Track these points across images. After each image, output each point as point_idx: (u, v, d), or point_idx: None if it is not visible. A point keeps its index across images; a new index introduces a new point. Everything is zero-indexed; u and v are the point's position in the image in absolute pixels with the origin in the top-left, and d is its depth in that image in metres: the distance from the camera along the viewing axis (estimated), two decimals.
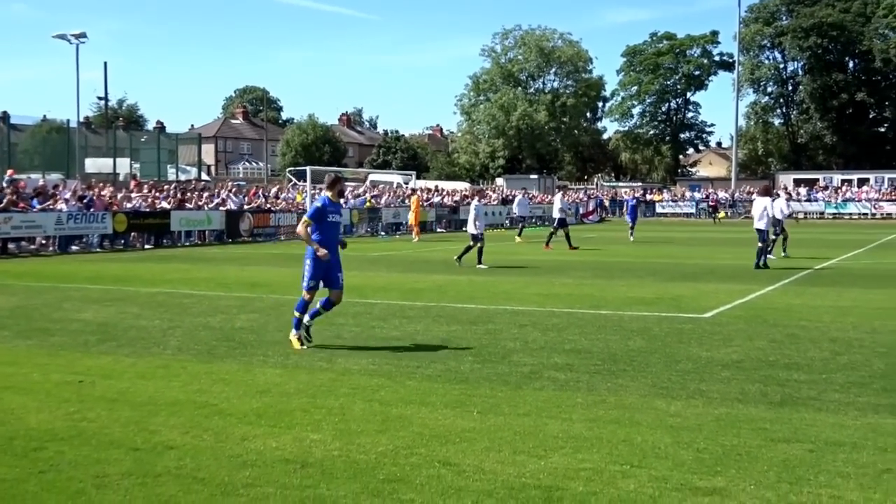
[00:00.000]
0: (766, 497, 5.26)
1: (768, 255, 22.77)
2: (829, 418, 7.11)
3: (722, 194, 72.56)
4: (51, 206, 29.64)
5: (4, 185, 30.21)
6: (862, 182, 72.00)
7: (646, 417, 7.16)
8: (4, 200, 28.03)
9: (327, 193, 10.67)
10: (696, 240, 36.89)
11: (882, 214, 64.70)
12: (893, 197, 67.05)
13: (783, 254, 24.76)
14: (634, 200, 39.54)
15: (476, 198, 24.11)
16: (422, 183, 57.35)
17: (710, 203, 67.48)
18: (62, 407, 7.48)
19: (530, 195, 53.24)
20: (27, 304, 14.61)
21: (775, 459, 6.00)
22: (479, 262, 22.37)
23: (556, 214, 30.80)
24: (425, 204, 46.40)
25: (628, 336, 11.28)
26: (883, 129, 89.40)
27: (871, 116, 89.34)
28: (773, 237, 23.63)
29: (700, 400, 7.77)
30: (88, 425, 6.90)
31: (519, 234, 36.10)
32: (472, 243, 22.73)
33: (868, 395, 7.91)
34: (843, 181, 72.52)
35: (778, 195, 27.57)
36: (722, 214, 65.25)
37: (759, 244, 21.82)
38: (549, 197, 65.16)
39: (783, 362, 9.48)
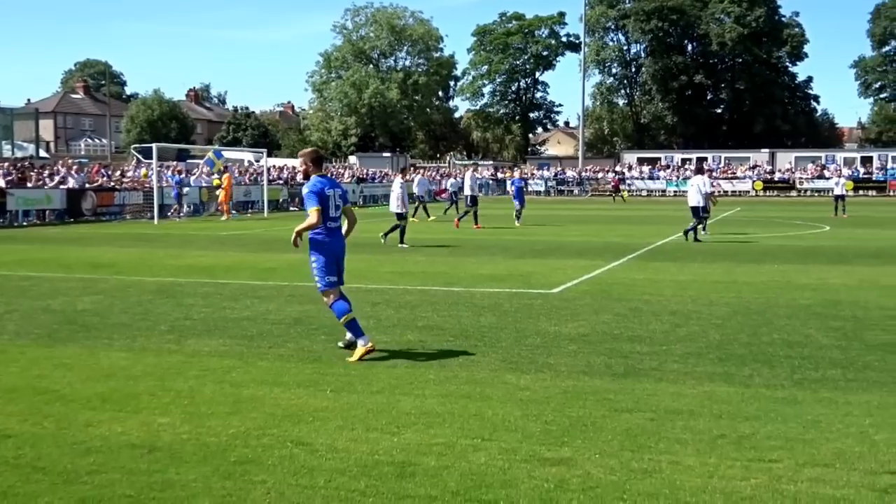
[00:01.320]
0: (609, 465, 5.44)
1: (702, 232, 24.22)
2: (669, 388, 7.41)
3: (570, 173, 74.37)
4: None
5: None
6: (700, 161, 75.11)
7: (496, 391, 7.29)
8: None
9: (316, 172, 8.89)
10: (545, 217, 37.66)
11: (719, 192, 67.58)
12: (729, 175, 70.13)
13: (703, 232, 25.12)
14: (522, 182, 34.07)
15: (398, 176, 23.59)
16: (273, 160, 56.53)
17: (612, 183, 65.18)
18: None
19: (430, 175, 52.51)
20: None
21: (618, 429, 6.21)
22: (402, 242, 22.10)
23: (468, 192, 30.85)
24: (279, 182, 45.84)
25: (479, 312, 11.45)
26: (719, 111, 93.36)
27: (708, 98, 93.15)
28: (706, 214, 24.41)
29: (548, 373, 7.96)
30: None
31: (414, 214, 34.57)
32: (398, 222, 22.45)
33: (705, 365, 8.28)
34: (683, 160, 75.38)
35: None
36: (626, 193, 64.01)
37: (693, 220, 23.09)
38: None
39: (627, 335, 9.82)
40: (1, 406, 6.79)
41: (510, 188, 33.77)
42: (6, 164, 36.37)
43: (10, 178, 33.40)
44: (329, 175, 9.19)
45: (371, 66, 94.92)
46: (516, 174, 38.61)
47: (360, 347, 8.59)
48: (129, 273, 15.82)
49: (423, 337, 9.73)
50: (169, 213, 36.81)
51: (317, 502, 4.84)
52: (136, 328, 10.25)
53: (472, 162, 68.15)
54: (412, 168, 50.09)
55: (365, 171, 62.34)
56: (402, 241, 22.19)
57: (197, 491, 4.98)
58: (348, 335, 8.88)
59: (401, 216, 22.52)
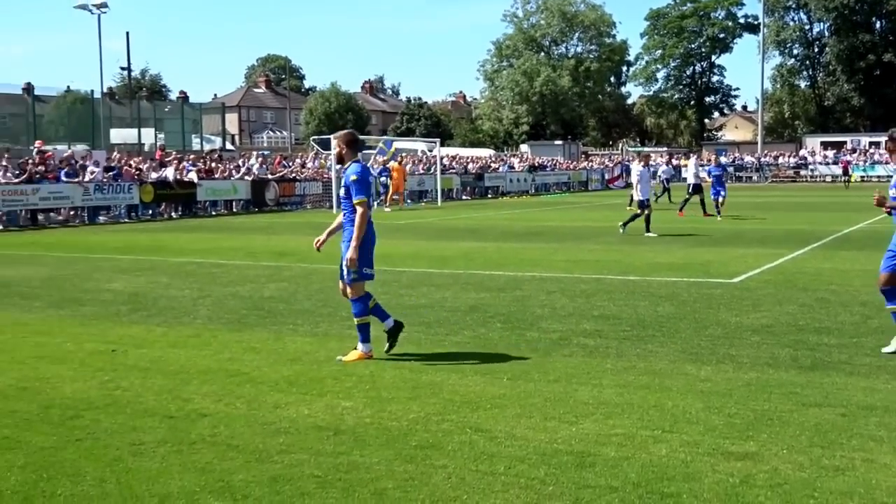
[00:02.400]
0: (798, 461, 5.24)
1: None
2: (861, 382, 7.07)
3: (748, 158, 71.96)
4: (79, 178, 29.81)
5: (34, 156, 30.43)
6: None
7: (676, 383, 7.15)
8: (28, 171, 28.21)
9: (352, 156, 8.48)
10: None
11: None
12: None
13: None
14: (720, 170, 29.04)
15: (640, 162, 23.00)
16: (445, 150, 57.21)
17: (842, 165, 62.34)
18: (96, 376, 7.56)
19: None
20: (58, 275, 14.75)
21: (807, 424, 5.97)
22: (648, 231, 21.40)
23: (691, 180, 30.34)
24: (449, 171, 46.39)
25: (657, 302, 11.24)
26: None
27: None
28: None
29: (730, 365, 7.75)
30: (123, 394, 6.97)
31: (656, 200, 33.28)
32: (639, 211, 21.80)
33: None
34: (870, 143, 71.63)
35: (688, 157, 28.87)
36: (854, 177, 61.09)
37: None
38: (575, 163, 64.92)
39: (813, 326, 9.43)
40: (197, 386, 7.17)
41: (702, 176, 31.12)
42: (195, 156, 38.23)
43: (199, 170, 35.11)
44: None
45: (542, 53, 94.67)
46: (711, 160, 36.12)
47: (360, 352, 8.17)
48: (311, 261, 16.34)
49: (599, 326, 9.64)
50: (377, 202, 37.38)
51: (497, 489, 4.87)
52: (319, 314, 10.59)
53: (658, 149, 66.71)
54: (693, 153, 48.75)
55: (537, 159, 62.16)
56: (647, 230, 21.38)
57: (380, 473, 5.11)
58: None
59: (644, 204, 21.65)
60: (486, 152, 67.54)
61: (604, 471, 5.12)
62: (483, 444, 5.62)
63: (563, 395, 6.81)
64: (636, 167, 22.71)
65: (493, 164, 54.23)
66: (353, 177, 8.14)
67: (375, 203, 8.66)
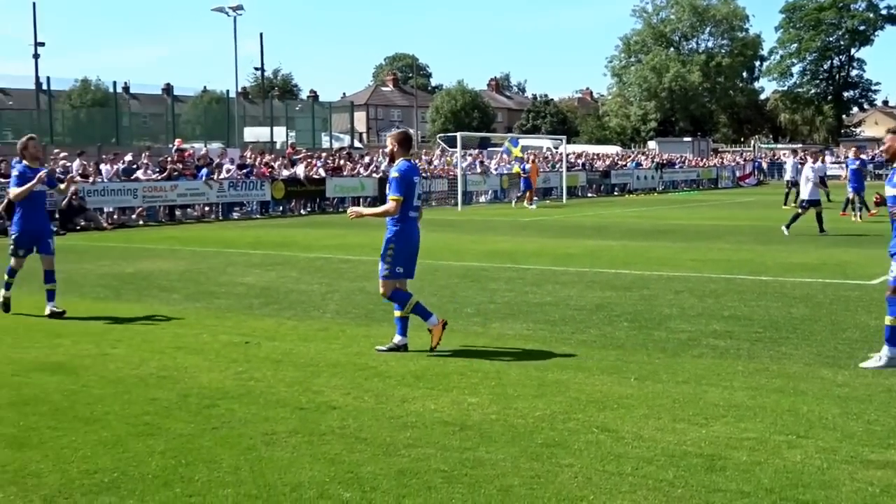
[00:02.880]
0: None
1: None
2: None
3: None
4: (215, 176, 30.82)
5: (173, 154, 31.62)
6: None
7: (811, 387, 6.93)
8: (168, 168, 29.32)
9: (403, 155, 8.56)
10: None
11: None
12: None
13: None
14: (858, 162, 26.64)
15: (812, 160, 22.09)
16: (571, 147, 56.81)
17: None
18: (231, 367, 7.80)
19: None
20: (194, 269, 15.28)
21: None
22: (821, 230, 20.74)
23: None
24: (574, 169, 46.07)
25: (790, 303, 10.92)
26: None
27: None
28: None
29: (869, 370, 7.46)
30: (256, 384, 7.18)
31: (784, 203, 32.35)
32: (800, 210, 21.13)
33: None
34: None
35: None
36: None
37: None
38: (705, 160, 63.58)
39: None
40: (327, 379, 7.32)
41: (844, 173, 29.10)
42: (325, 154, 38.99)
43: (327, 167, 35.81)
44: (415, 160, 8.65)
45: (671, 48, 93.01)
46: (850, 154, 33.39)
47: (397, 342, 8.40)
48: (437, 257, 16.47)
49: (730, 327, 9.41)
50: (514, 202, 36.91)
51: (624, 489, 4.82)
52: (444, 310, 10.64)
53: (791, 146, 64.35)
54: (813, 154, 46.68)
55: (665, 156, 61.11)
56: (821, 230, 20.70)
57: (506, 470, 5.11)
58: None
59: (811, 203, 20.99)
60: (612, 149, 66.80)
61: (735, 475, 5.00)
62: (610, 444, 5.56)
63: (693, 396, 6.68)
64: (809, 165, 21.97)
65: (619, 162, 53.58)
66: (395, 174, 8.33)
67: (421, 206, 8.58)
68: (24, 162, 10.84)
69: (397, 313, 8.53)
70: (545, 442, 5.62)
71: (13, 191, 10.76)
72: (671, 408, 6.38)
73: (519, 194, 36.88)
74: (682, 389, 6.89)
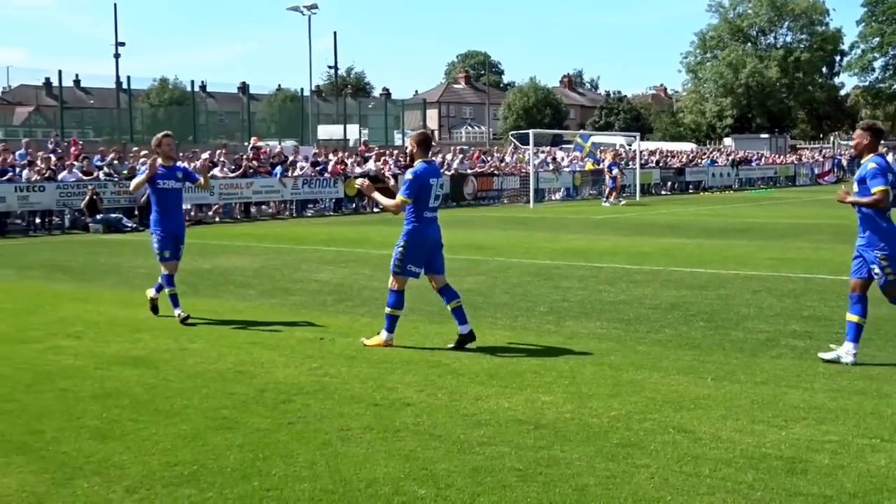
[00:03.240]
0: None
1: None
2: None
3: None
4: (288, 173, 31.18)
5: (248, 152, 32.09)
6: None
7: (895, 389, 6.75)
8: (243, 166, 29.75)
9: (421, 156, 8.64)
10: None
11: None
12: None
13: None
14: None
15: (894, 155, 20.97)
16: (645, 144, 56.22)
17: None
18: (306, 362, 7.89)
19: None
20: (269, 265, 15.48)
21: None
22: None
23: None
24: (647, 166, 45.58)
25: (873, 304, 10.51)
26: None
27: None
28: None
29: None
30: (330, 380, 7.24)
31: None
32: None
33: None
34: None
35: None
36: None
37: None
38: (782, 157, 62.41)
39: None
40: (400, 376, 7.35)
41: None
42: (397, 151, 39.15)
43: (400, 164, 35.94)
44: (434, 161, 8.76)
45: (748, 44, 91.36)
46: None
47: (382, 338, 8.47)
48: (509, 255, 16.46)
49: (810, 328, 9.23)
50: (605, 201, 36.35)
51: (702, 491, 4.75)
52: (517, 308, 10.64)
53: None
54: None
55: (741, 153, 60.07)
56: None
57: (581, 469, 5.08)
58: None
59: None
60: (687, 146, 65.92)
61: (816, 479, 4.90)
62: (687, 445, 5.49)
63: (772, 397, 6.56)
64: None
65: (695, 159, 52.83)
66: (409, 175, 8.42)
67: (439, 206, 8.56)
68: (158, 160, 10.36)
69: (387, 310, 8.59)
70: (621, 442, 5.57)
71: (133, 182, 10.85)
72: (749, 409, 6.27)
73: (608, 190, 36.31)
74: (761, 390, 6.77)
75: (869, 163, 7.84)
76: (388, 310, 8.57)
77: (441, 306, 10.77)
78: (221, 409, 6.41)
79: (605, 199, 35.55)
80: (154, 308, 10.44)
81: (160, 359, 8.11)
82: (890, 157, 21.93)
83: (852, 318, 7.86)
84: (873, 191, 7.67)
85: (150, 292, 10.52)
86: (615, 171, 36.28)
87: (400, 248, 8.53)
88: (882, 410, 6.18)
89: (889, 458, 5.20)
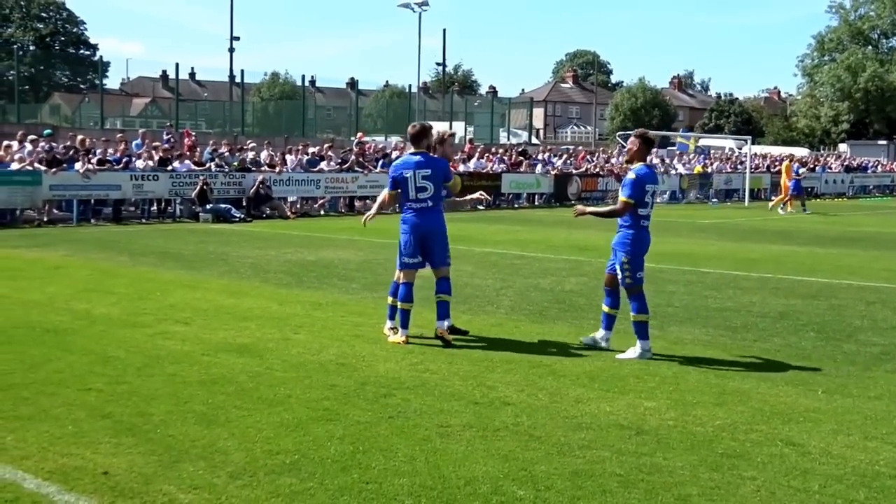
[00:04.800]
0: None
1: None
2: None
3: None
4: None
5: (354, 146, 32.47)
6: None
7: None
8: (350, 161, 30.12)
9: (411, 149, 8.92)
10: None
11: None
12: None
13: None
14: None
15: None
16: (756, 148, 54.89)
17: None
18: (406, 357, 7.92)
19: None
20: (372, 259, 15.61)
21: None
22: None
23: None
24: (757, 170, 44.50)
25: None
26: None
27: None
28: None
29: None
30: (431, 376, 7.25)
31: None
32: None
33: None
34: None
35: None
36: None
37: None
38: None
39: None
40: (501, 375, 7.32)
41: None
42: (502, 150, 39.07)
43: (503, 163, 35.89)
44: (423, 152, 8.77)
45: (869, 47, 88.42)
46: None
47: (398, 337, 8.53)
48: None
49: None
50: (781, 209, 33.85)
51: None
52: (620, 311, 10.46)
53: None
54: None
55: (855, 159, 58.16)
56: None
57: (684, 479, 4.97)
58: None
59: None
60: (801, 151, 64.14)
61: None
62: (795, 459, 5.32)
63: (886, 413, 6.31)
64: None
65: (809, 164, 51.35)
66: (632, 175, 8.38)
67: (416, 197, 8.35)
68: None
69: (390, 299, 8.89)
70: (726, 452, 5.43)
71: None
72: (862, 424, 6.04)
73: (782, 198, 34.40)
74: (875, 406, 6.52)
75: (630, 172, 8.23)
76: (396, 301, 8.76)
77: (544, 307, 10.74)
78: (323, 400, 6.47)
79: (787, 209, 33.54)
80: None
81: (265, 348, 8.25)
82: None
83: (604, 308, 8.56)
84: (620, 200, 8.21)
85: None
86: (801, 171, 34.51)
87: (400, 242, 8.87)
88: None
89: None
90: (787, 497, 4.72)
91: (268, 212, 26.54)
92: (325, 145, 31.81)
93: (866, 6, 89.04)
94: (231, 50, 45.99)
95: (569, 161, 39.07)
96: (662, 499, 4.67)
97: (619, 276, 8.33)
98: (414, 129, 8.92)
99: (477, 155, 35.59)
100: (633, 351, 8.11)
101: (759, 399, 6.67)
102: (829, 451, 5.47)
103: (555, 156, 39.57)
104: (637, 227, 8.28)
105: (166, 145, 27.63)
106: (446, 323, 8.64)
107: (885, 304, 11.20)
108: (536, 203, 35.86)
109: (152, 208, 25.68)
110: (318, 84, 65.52)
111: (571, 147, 52.40)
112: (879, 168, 56.69)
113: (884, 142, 73.81)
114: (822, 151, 70.82)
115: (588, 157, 42.18)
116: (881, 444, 5.63)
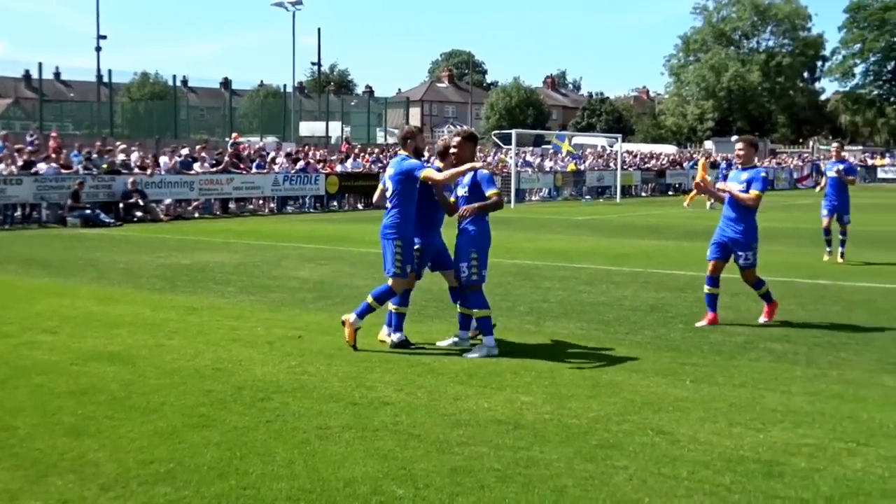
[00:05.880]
0: None
1: None
2: None
3: None
4: (269, 169, 31.05)
5: (228, 147, 31.95)
6: None
7: (872, 394, 6.79)
8: (224, 162, 29.63)
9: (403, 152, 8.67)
10: None
11: None
12: None
13: None
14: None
15: None
16: (627, 146, 56.31)
17: None
18: (285, 360, 7.85)
19: None
20: (248, 262, 15.40)
21: None
22: None
23: None
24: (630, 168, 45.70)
25: (850, 308, 10.72)
26: None
27: None
28: None
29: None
30: (309, 378, 7.21)
31: None
32: None
33: None
34: None
35: None
36: None
37: None
38: (763, 161, 62.67)
39: None
40: (380, 375, 7.33)
41: None
42: (378, 149, 39.07)
43: (381, 163, 35.87)
44: (403, 154, 8.65)
45: (731, 48, 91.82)
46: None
47: (394, 337, 8.47)
48: (490, 255, 16.40)
49: (788, 331, 9.29)
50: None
51: (680, 493, 4.75)
52: (498, 308, 10.58)
53: (852, 148, 62.75)
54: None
55: (720, 156, 60.28)
56: None
57: (560, 470, 5.07)
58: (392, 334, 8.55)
59: None
60: (669, 149, 66.13)
61: (793, 482, 4.91)
62: (665, 447, 5.50)
63: (750, 400, 6.58)
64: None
65: (677, 160, 53.03)
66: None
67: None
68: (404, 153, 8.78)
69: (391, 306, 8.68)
70: (599, 443, 5.57)
71: (439, 175, 8.51)
72: (728, 412, 6.29)
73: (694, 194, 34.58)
74: (739, 393, 6.79)
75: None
76: (391, 307, 8.63)
77: (422, 306, 10.78)
78: (199, 406, 6.36)
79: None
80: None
81: (137, 355, 8.05)
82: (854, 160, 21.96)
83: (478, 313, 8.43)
84: (494, 193, 8.51)
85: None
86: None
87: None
88: (858, 414, 6.21)
89: (865, 462, 5.23)
90: (658, 484, 4.87)
91: (139, 215, 25.88)
92: (199, 146, 31.18)
93: (728, 8, 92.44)
94: (98, 49, 44.74)
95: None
96: (539, 491, 4.76)
97: (465, 273, 8.45)
98: (401, 132, 9.03)
99: (353, 155, 35.46)
100: (480, 349, 8.17)
101: (631, 390, 6.86)
102: (696, 439, 5.67)
103: (433, 155, 39.73)
104: (480, 226, 8.63)
105: (30, 147, 26.64)
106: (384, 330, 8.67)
107: (748, 296, 11.61)
108: None
109: (16, 213, 24.70)
110: (190, 84, 64.02)
111: None
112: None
113: None
114: (688, 148, 73.14)
115: None
116: (745, 429, 5.86)
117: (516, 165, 37.76)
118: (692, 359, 7.99)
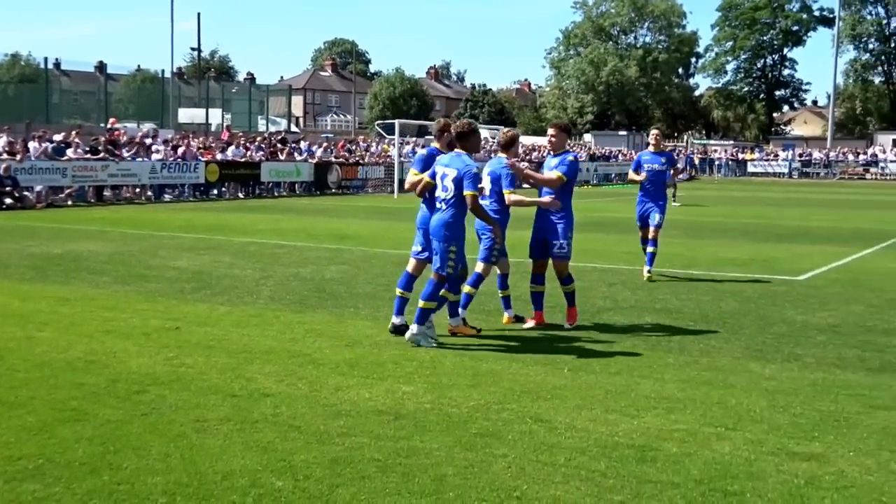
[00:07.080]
0: (865, 464, 5.14)
1: None
2: None
3: (817, 154, 70.47)
4: (144, 156, 30.27)
5: (104, 133, 31.00)
6: None
7: (740, 380, 7.06)
8: (99, 148, 28.75)
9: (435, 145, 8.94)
10: (789, 200, 36.04)
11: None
12: None
13: None
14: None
15: None
16: None
17: None
18: (161, 352, 7.68)
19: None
20: (124, 251, 15.00)
21: (875, 427, 5.85)
22: None
23: None
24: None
25: (720, 297, 11.10)
26: None
27: None
28: None
29: (795, 364, 7.62)
30: (187, 370, 7.07)
31: None
32: None
33: None
34: None
35: None
36: None
37: None
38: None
39: (882, 328, 9.24)
40: (260, 366, 7.24)
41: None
42: (260, 138, 38.54)
43: (262, 151, 35.42)
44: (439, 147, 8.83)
45: (610, 42, 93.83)
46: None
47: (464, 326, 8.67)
48: (372, 245, 16.42)
49: (661, 320, 9.55)
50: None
51: (557, 480, 4.85)
52: (380, 298, 10.61)
53: (724, 143, 64.60)
54: None
55: (600, 149, 61.61)
56: None
57: (440, 459, 5.11)
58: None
59: None
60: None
61: (665, 466, 5.07)
62: (543, 435, 5.60)
63: (625, 387, 6.76)
64: None
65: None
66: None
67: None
68: (436, 146, 9.01)
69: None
70: (479, 432, 5.63)
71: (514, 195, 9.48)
72: (603, 399, 6.44)
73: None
74: (615, 381, 6.96)
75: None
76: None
77: (304, 296, 10.69)
78: (70, 400, 6.17)
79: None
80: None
81: (5, 347, 7.75)
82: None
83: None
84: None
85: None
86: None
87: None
88: (727, 400, 6.44)
89: (733, 446, 5.43)
90: (536, 471, 4.96)
91: (8, 202, 24.89)
92: (73, 132, 30.14)
93: (607, 3, 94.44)
94: None
95: (329, 149, 39.03)
96: (419, 480, 4.79)
97: (439, 264, 8.31)
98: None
99: (235, 143, 34.88)
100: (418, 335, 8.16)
101: (510, 379, 6.96)
102: (573, 426, 5.79)
103: (315, 144, 39.41)
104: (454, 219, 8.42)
105: None
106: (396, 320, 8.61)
107: (625, 285, 11.96)
108: (297, 192, 35.62)
109: None
110: (63, 67, 61.69)
111: (331, 135, 52.43)
112: (621, 157, 60.29)
113: (624, 132, 78.53)
114: (570, 141, 74.42)
115: (348, 145, 42.30)
116: (620, 416, 6.02)
117: (400, 155, 37.72)
118: (571, 348, 8.16)
